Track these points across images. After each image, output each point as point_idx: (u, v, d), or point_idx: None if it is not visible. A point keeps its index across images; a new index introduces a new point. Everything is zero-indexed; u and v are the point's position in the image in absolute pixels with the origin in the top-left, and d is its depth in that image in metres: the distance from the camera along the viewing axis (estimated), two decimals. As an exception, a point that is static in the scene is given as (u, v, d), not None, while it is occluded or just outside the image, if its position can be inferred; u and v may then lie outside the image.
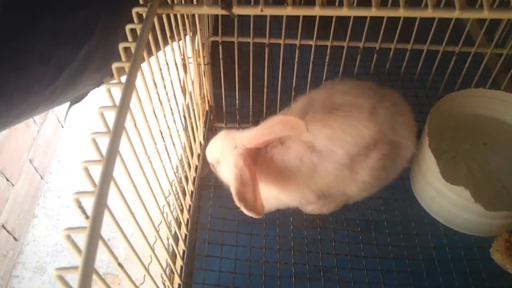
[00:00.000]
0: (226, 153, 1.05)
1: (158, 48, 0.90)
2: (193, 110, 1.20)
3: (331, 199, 1.18)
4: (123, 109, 0.61)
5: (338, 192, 1.12)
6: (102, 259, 2.04)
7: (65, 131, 2.62)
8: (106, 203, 0.54)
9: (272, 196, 1.10)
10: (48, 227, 2.28)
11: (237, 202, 0.93)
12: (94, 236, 0.50)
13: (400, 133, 1.07)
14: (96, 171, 0.56)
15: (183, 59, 1.13)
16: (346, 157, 1.01)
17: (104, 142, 0.60)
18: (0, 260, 1.98)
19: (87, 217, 0.54)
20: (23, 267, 2.14)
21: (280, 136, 1.01)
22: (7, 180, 2.03)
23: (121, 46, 0.72)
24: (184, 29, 1.04)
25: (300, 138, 1.02)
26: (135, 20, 0.76)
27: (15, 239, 2.10)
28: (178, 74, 1.09)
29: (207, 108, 1.46)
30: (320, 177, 1.03)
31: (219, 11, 0.78)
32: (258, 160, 1.03)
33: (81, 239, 0.50)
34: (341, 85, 1.12)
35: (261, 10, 0.77)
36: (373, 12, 0.75)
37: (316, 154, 1.01)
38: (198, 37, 1.18)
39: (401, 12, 0.75)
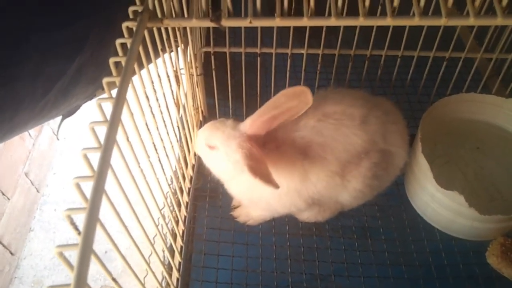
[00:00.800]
0: (227, 140, 1.03)
1: (149, 60, 0.91)
2: (187, 121, 1.21)
3: (326, 207, 1.18)
4: (114, 124, 0.61)
5: (330, 200, 1.13)
6: (100, 271, 2.02)
7: (60, 144, 2.62)
8: (98, 219, 0.54)
9: (262, 199, 1.09)
10: (45, 240, 2.27)
11: (253, 176, 0.91)
12: (86, 252, 0.50)
13: (392, 142, 1.08)
14: (89, 186, 0.56)
15: (175, 71, 1.13)
16: (337, 165, 1.02)
17: (97, 157, 0.60)
18: (-4, 275, 1.96)
19: (79, 233, 0.54)
20: (20, 282, 2.12)
21: (286, 111, 0.99)
22: (3, 194, 2.02)
23: (111, 60, 0.72)
24: (176, 41, 1.05)
25: (294, 143, 1.02)
26: (125, 34, 0.77)
27: (12, 254, 2.09)
28: (171, 86, 1.09)
29: (201, 118, 1.47)
30: (312, 183, 1.04)
31: (208, 23, 0.79)
32: None
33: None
34: (333, 94, 1.13)
35: (250, 22, 0.77)
36: (360, 21, 0.76)
37: (308, 161, 1.02)
38: (190, 48, 1.18)
39: (389, 21, 0.76)
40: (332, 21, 0.76)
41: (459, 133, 1.36)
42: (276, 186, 0.91)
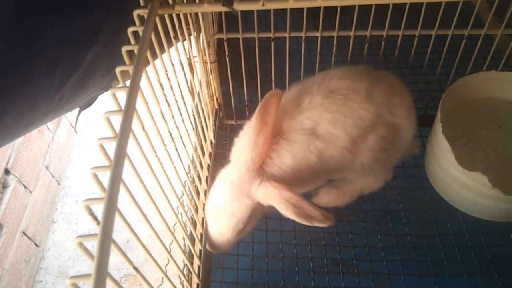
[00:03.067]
0: (236, 203, 1.00)
1: (162, 49, 0.90)
2: (202, 109, 1.20)
3: (345, 191, 1.17)
4: (128, 112, 0.61)
5: (340, 176, 1.12)
6: (124, 260, 2.05)
7: (78, 136, 2.65)
8: (116, 208, 0.54)
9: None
10: (68, 231, 2.30)
11: (308, 223, 0.91)
12: (106, 241, 0.50)
13: (398, 114, 1.07)
14: (107, 176, 0.56)
15: (189, 59, 1.12)
16: (348, 140, 1.01)
17: (113, 147, 0.60)
18: (23, 266, 2.00)
19: (98, 223, 0.54)
20: (45, 272, 2.17)
21: (271, 116, 0.97)
22: (25, 187, 2.05)
23: (123, 49, 0.71)
24: (188, 29, 1.04)
25: (302, 126, 1.01)
26: (137, 22, 0.76)
27: (36, 245, 2.13)
28: (185, 74, 1.08)
29: (216, 106, 1.46)
30: (326, 161, 1.02)
31: (220, 8, 0.77)
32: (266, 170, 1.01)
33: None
34: (335, 70, 1.11)
35: (263, 5, 0.76)
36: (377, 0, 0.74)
37: (320, 140, 1.00)
38: (202, 36, 1.17)
39: (407, -2, 0.73)
40: (349, 1, 0.74)
41: (480, 112, 1.32)
42: (330, 220, 0.91)
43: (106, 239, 0.50)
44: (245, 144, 0.98)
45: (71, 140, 2.57)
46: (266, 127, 0.96)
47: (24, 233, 2.02)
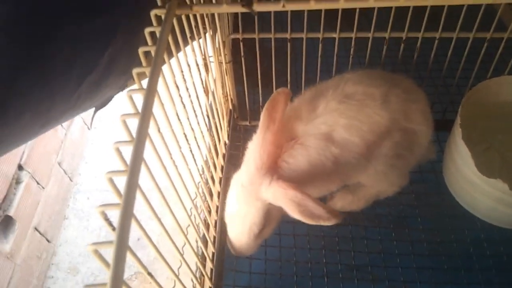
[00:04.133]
0: (246, 207, 0.98)
1: (178, 49, 0.89)
2: (217, 109, 1.19)
3: (361, 196, 1.15)
4: (145, 116, 0.59)
5: (354, 181, 1.10)
6: (133, 258, 2.05)
7: (91, 133, 2.65)
8: (132, 214, 0.53)
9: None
10: (79, 228, 2.31)
11: (314, 223, 0.89)
12: (122, 249, 0.49)
13: (414, 120, 1.05)
14: (121, 179, 0.55)
15: (204, 59, 1.11)
16: (363, 146, 0.99)
17: (128, 149, 0.59)
18: (34, 262, 2.02)
19: (113, 229, 0.53)
20: (57, 268, 2.18)
21: (280, 111, 0.97)
22: (38, 183, 2.06)
23: (140, 50, 0.70)
24: (204, 28, 1.02)
25: (318, 131, 0.99)
26: (154, 22, 0.75)
27: (48, 241, 2.14)
28: (200, 74, 1.07)
29: (230, 107, 1.45)
30: (341, 167, 1.00)
31: (239, 9, 0.76)
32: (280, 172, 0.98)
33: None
34: (351, 75, 1.10)
35: (283, 6, 0.74)
36: (400, 2, 0.72)
37: (335, 146, 0.99)
38: (218, 35, 1.16)
39: (430, 1, 0.71)
40: (370, 3, 0.72)
41: (499, 117, 1.29)
42: (337, 217, 0.88)
43: (122, 247, 0.49)
44: (253, 143, 0.97)
45: (84, 137, 2.58)
46: (274, 124, 0.95)
47: (36, 229, 2.03)
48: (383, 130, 1.01)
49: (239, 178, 1.00)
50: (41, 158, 2.10)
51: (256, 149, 0.95)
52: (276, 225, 1.06)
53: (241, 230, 1.00)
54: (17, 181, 1.94)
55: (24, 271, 1.90)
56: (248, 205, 0.98)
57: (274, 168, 0.97)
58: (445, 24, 1.18)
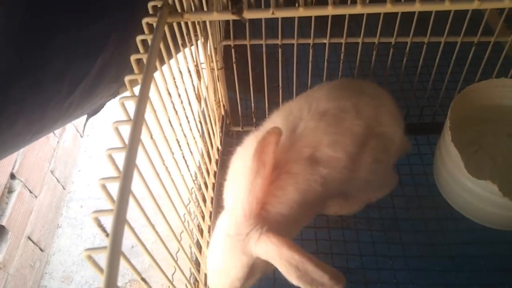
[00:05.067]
0: (231, 260, 0.89)
1: (170, 56, 0.90)
2: (209, 115, 1.20)
3: (353, 202, 1.16)
4: (137, 123, 0.60)
5: (340, 192, 1.11)
6: (127, 266, 2.04)
7: (84, 141, 2.65)
8: (125, 220, 0.54)
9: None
10: (72, 236, 2.30)
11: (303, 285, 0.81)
12: (115, 254, 0.50)
13: (385, 123, 1.07)
14: (115, 186, 0.55)
15: (196, 66, 1.12)
16: (348, 160, 0.99)
17: (121, 155, 0.59)
18: (28, 271, 2.00)
19: (107, 235, 0.53)
20: (50, 277, 2.16)
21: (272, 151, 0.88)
22: (30, 192, 2.05)
23: (132, 58, 0.71)
24: (196, 35, 1.03)
25: (302, 155, 0.96)
26: (146, 30, 0.76)
27: (41, 250, 2.13)
28: (192, 81, 1.08)
29: (222, 112, 1.46)
30: (329, 185, 0.99)
31: (229, 16, 0.77)
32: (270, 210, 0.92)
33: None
34: (318, 93, 1.10)
35: (273, 13, 0.75)
36: (388, 8, 0.73)
37: (323, 166, 0.97)
38: (210, 42, 1.17)
39: (417, 7, 0.73)
40: (358, 9, 0.73)
41: (489, 120, 1.31)
42: (340, 282, 0.82)
43: (115, 253, 0.49)
44: (241, 187, 0.87)
45: (76, 145, 2.58)
46: (264, 168, 0.86)
47: (29, 238, 2.02)
48: (362, 139, 1.02)
49: (224, 225, 0.91)
50: (33, 167, 2.10)
51: (244, 195, 0.86)
52: (260, 275, 0.98)
53: (223, 284, 0.92)
54: (10, 190, 1.93)
55: (17, 280, 1.89)
56: (232, 258, 0.88)
57: (261, 215, 0.89)
58: (433, 29, 1.20)
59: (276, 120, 1.06)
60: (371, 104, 1.06)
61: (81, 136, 2.60)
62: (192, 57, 1.08)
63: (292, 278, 0.81)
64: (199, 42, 1.12)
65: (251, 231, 0.86)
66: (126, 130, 0.62)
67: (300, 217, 0.96)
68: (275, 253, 0.82)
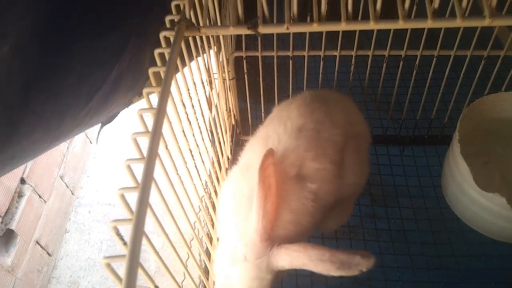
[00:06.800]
0: (256, 282, 0.91)
1: (183, 64, 0.91)
2: (220, 125, 1.21)
3: (344, 208, 1.15)
4: (156, 136, 0.62)
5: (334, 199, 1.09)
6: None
7: (93, 147, 2.67)
8: (143, 230, 0.55)
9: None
10: (80, 241, 2.31)
11: (355, 273, 0.83)
12: (134, 263, 0.51)
13: (355, 122, 1.12)
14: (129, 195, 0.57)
15: (209, 76, 1.14)
16: (334, 169, 1.01)
17: (137, 165, 0.61)
18: (35, 275, 2.02)
19: (124, 243, 0.55)
20: (57, 282, 2.18)
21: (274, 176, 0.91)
22: (40, 197, 2.07)
23: (150, 71, 0.72)
24: (209, 45, 1.05)
25: (289, 175, 0.97)
26: (163, 44, 0.77)
27: (49, 254, 2.15)
28: (205, 91, 1.10)
29: (233, 122, 1.47)
30: (321, 199, 1.00)
31: (245, 31, 0.78)
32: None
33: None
34: (287, 112, 1.09)
35: (287, 28, 0.77)
36: (400, 25, 0.74)
37: (311, 181, 0.98)
38: (222, 53, 1.19)
39: (429, 24, 0.74)
40: (371, 25, 0.74)
41: (498, 133, 1.32)
42: (371, 257, 0.86)
43: (134, 262, 0.51)
44: (251, 216, 0.89)
45: (86, 151, 2.60)
46: (271, 192, 0.89)
47: (37, 242, 2.04)
48: (343, 145, 1.05)
49: (237, 252, 0.92)
50: (43, 172, 2.12)
51: (258, 222, 0.87)
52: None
53: None
54: (19, 194, 1.95)
55: (25, 284, 1.90)
56: (257, 281, 0.90)
57: (271, 233, 0.91)
58: (443, 42, 1.21)
59: (255, 147, 1.07)
60: (339, 109, 1.10)
61: (91, 142, 2.63)
62: (205, 67, 1.10)
63: (331, 271, 0.83)
64: (211, 52, 1.14)
65: (268, 250, 0.88)
66: (141, 140, 0.63)
67: (298, 235, 0.96)
68: (304, 258, 0.84)
